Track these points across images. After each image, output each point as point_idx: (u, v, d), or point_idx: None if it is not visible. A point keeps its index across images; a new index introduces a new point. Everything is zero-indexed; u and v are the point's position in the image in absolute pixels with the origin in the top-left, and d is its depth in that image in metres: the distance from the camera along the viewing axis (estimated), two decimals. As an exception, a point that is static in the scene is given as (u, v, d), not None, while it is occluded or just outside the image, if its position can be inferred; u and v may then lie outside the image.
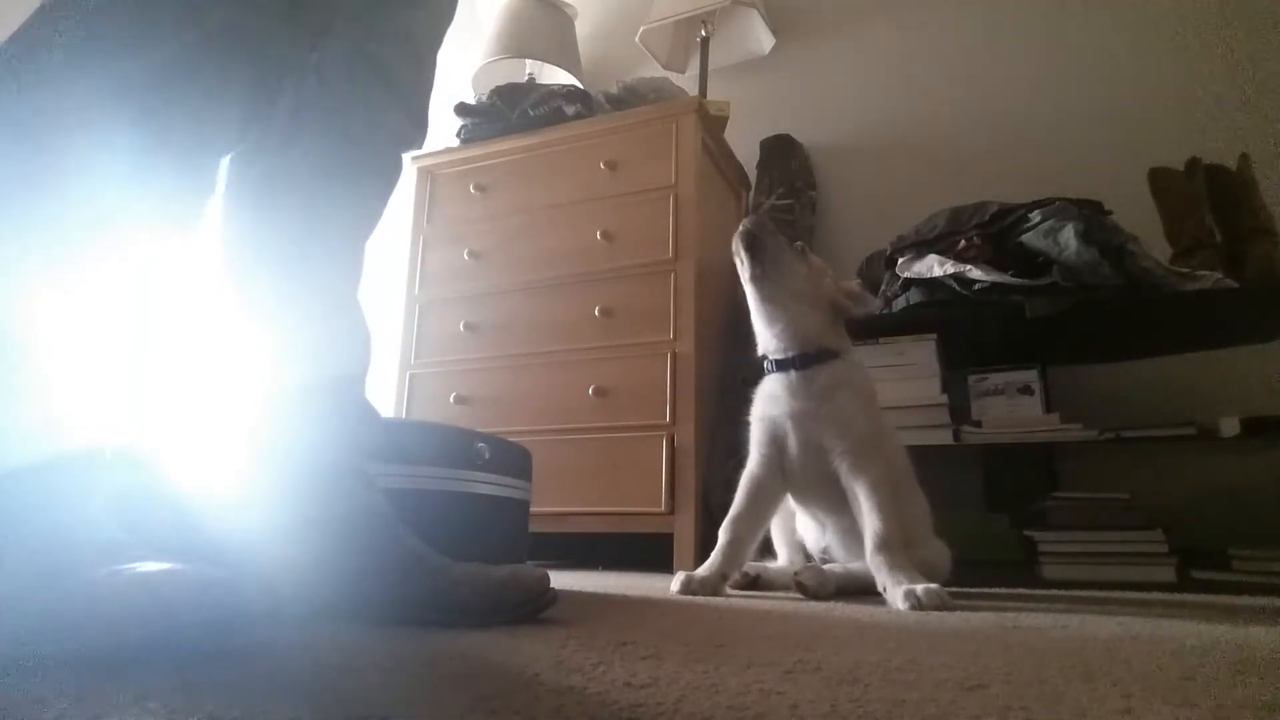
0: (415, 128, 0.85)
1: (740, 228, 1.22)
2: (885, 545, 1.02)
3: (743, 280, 1.24)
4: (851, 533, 1.14)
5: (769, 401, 1.17)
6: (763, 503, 1.18)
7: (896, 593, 0.95)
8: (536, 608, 0.71)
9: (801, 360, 1.15)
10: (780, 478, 1.17)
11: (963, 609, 0.92)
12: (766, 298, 1.19)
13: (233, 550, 0.67)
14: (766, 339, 1.20)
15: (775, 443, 1.16)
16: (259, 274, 0.75)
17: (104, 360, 0.61)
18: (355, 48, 0.78)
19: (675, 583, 1.10)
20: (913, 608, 0.92)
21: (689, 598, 1.04)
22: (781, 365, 1.16)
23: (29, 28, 0.57)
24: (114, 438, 0.62)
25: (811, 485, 1.16)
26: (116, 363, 0.62)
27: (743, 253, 1.20)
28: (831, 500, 1.14)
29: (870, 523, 1.04)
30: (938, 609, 0.91)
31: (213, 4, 0.62)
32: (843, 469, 1.10)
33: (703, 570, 1.11)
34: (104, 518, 0.56)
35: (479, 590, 0.69)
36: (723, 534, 1.15)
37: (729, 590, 1.14)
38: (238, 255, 0.76)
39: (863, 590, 1.08)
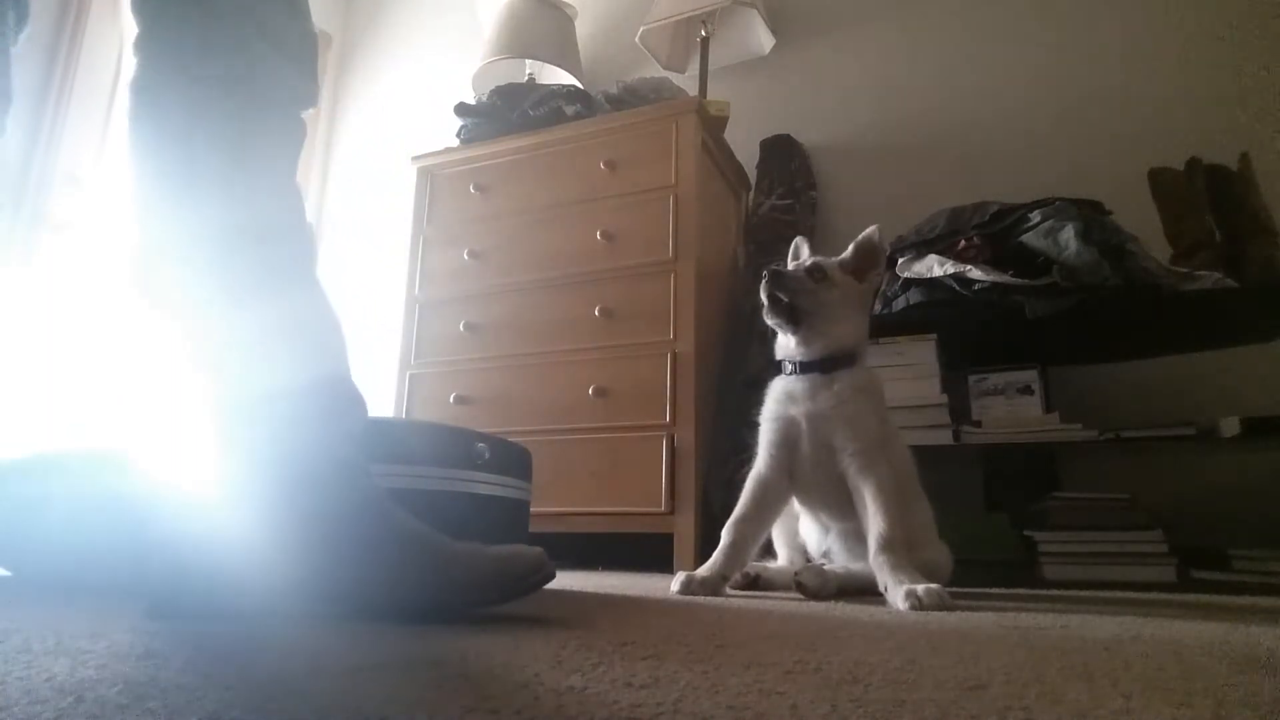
0: (309, 82, 0.81)
1: (766, 290, 1.18)
2: (888, 546, 1.02)
3: (776, 329, 1.21)
4: (854, 536, 1.14)
5: (785, 401, 1.18)
6: (768, 505, 1.18)
7: (898, 592, 0.96)
8: (533, 584, 0.71)
9: (826, 364, 1.16)
10: (788, 480, 1.18)
11: (963, 609, 0.92)
12: (806, 337, 1.18)
13: (233, 551, 0.67)
14: (794, 350, 1.19)
15: (787, 443, 1.17)
16: (191, 273, 0.72)
17: (83, 362, 0.61)
18: (234, 12, 0.75)
19: (675, 583, 1.10)
20: (913, 607, 0.92)
21: (689, 598, 1.04)
22: (806, 368, 1.17)
23: None
24: (111, 437, 0.62)
25: (819, 487, 1.16)
26: (108, 368, 0.62)
27: (784, 323, 1.18)
28: (837, 503, 1.15)
29: (875, 524, 1.05)
30: (938, 609, 0.91)
31: None
32: (851, 470, 1.10)
33: (703, 570, 1.11)
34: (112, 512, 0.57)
35: (477, 567, 0.69)
36: (726, 534, 1.15)
37: (729, 591, 1.14)
38: (163, 255, 0.72)
39: (863, 590, 1.08)
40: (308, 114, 0.82)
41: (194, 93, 0.72)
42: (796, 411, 1.16)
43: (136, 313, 0.73)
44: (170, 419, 0.75)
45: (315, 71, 0.82)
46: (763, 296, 1.19)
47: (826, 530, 1.23)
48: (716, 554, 1.14)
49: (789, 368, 1.20)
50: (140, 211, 0.73)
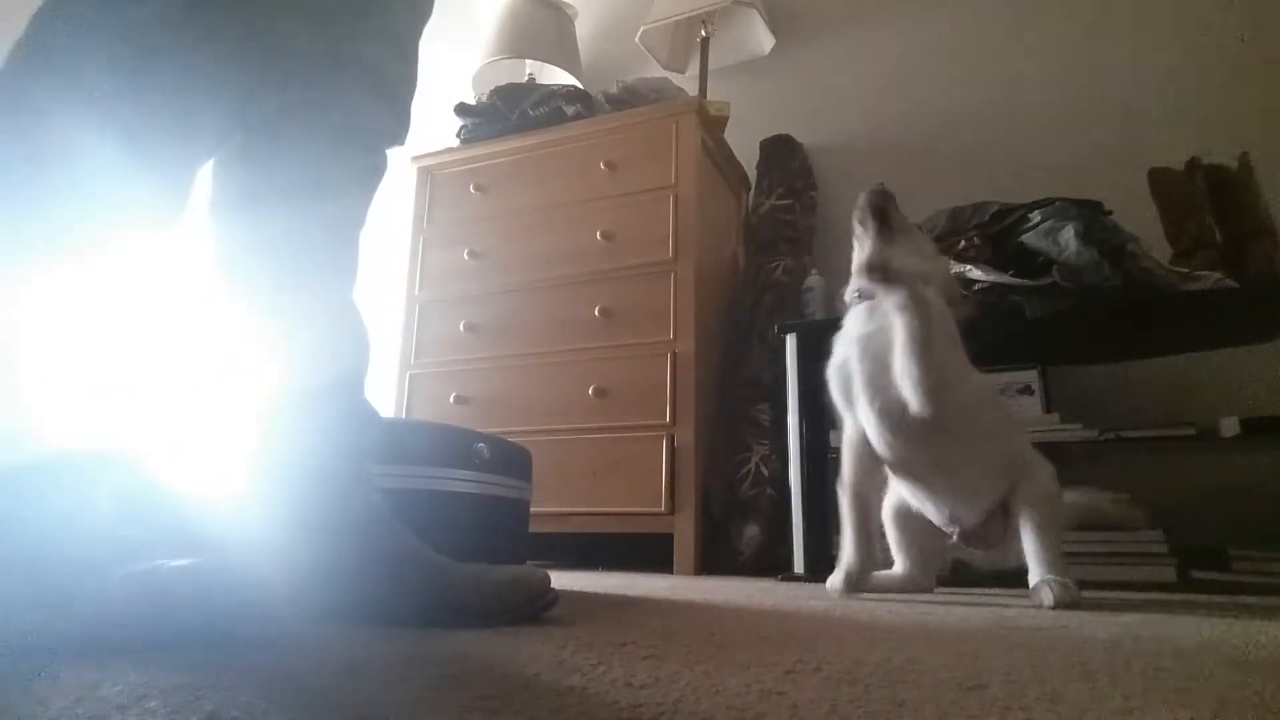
0: (399, 124, 0.86)
1: (864, 198, 1.12)
2: (1053, 568, 1.01)
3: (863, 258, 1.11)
4: (949, 493, 1.12)
5: None
6: (874, 466, 1.14)
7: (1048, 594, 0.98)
8: (537, 609, 0.71)
9: None
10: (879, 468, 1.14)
11: (963, 609, 0.92)
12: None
13: (234, 552, 0.67)
14: None
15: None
16: (251, 279, 0.75)
17: (103, 360, 0.62)
18: (339, 49, 0.78)
19: (837, 580, 1.08)
20: (1058, 599, 0.95)
21: (684, 598, 1.04)
22: None
23: (23, 52, 0.60)
24: (118, 438, 0.62)
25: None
26: (116, 364, 0.63)
27: (871, 223, 1.10)
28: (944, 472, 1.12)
29: (1035, 553, 1.03)
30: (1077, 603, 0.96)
31: (185, 21, 0.63)
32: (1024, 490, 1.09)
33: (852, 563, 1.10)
34: (113, 516, 0.57)
35: (480, 592, 0.69)
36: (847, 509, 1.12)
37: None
38: (230, 260, 0.76)
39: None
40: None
41: (283, 120, 0.76)
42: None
43: (196, 305, 0.77)
44: (176, 417, 0.75)
45: (409, 113, 0.87)
46: (864, 200, 1.10)
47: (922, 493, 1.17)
48: (848, 542, 1.10)
49: None
50: (219, 218, 0.77)
